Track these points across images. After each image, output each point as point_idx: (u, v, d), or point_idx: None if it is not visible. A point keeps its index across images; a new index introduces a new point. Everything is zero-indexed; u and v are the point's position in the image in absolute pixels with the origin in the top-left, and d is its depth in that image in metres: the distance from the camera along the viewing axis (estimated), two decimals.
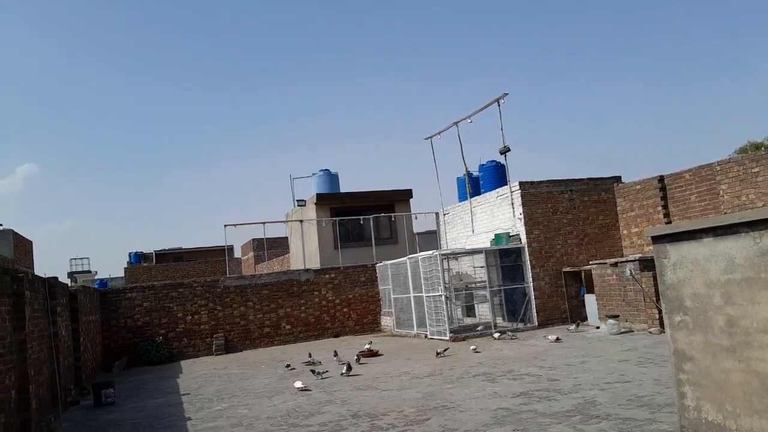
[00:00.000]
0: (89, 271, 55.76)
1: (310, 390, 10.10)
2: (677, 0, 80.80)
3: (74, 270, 56.32)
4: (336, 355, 13.29)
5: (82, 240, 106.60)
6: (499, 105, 17.68)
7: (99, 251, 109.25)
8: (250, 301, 19.03)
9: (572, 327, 14.92)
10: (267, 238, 28.98)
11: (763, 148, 31.72)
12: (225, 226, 21.31)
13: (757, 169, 13.17)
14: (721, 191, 14.04)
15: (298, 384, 10.41)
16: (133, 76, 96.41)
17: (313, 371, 11.63)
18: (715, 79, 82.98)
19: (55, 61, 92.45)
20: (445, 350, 12.69)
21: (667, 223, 15.34)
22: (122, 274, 45.47)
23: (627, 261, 14.01)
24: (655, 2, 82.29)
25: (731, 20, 78.42)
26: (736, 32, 78.60)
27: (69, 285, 14.22)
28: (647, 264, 13.38)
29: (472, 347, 12.93)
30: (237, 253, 47.64)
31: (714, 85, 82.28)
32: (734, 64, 79.80)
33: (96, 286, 35.06)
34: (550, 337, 13.40)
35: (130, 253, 51.10)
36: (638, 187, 16.58)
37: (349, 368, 11.36)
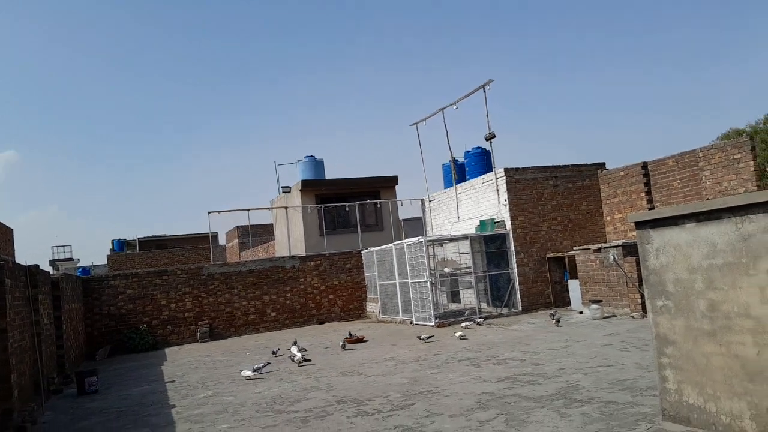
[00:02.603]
0: (71, 259, 55.12)
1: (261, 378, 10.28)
2: None
3: (56, 258, 55.64)
4: (295, 343, 13.23)
5: (64, 227, 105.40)
6: (484, 91, 17.69)
7: (82, 239, 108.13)
8: (234, 288, 18.95)
9: (551, 315, 13.98)
10: (252, 225, 28.85)
11: (745, 135, 32.01)
12: (209, 213, 21.12)
13: (738, 156, 13.31)
14: (703, 177, 14.18)
15: (247, 372, 10.57)
16: (118, 66, 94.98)
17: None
18: (699, 66, 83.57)
19: (37, 49, 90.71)
20: (429, 337, 12.75)
21: (650, 209, 15.48)
22: (105, 262, 45.06)
23: (610, 246, 14.13)
24: None
25: (718, 8, 78.87)
26: (722, 20, 79.11)
27: (51, 273, 14.04)
28: (630, 249, 13.51)
29: (456, 333, 12.99)
30: (222, 241, 47.37)
31: (698, 71, 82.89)
32: (718, 51, 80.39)
33: (78, 273, 34.72)
34: (553, 320, 13.17)
35: (113, 241, 50.69)
36: (622, 173, 16.69)
37: (304, 359, 11.39)
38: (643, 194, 15.87)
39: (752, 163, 13.09)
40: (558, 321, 13.03)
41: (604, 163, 17.81)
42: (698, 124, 77.05)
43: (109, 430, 7.72)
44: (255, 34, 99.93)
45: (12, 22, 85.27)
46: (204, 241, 45.90)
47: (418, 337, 12.80)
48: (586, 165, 17.70)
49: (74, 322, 15.16)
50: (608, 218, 17.35)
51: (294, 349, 12.88)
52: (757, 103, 75.82)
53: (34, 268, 10.79)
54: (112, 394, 10.36)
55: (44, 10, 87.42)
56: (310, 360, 11.53)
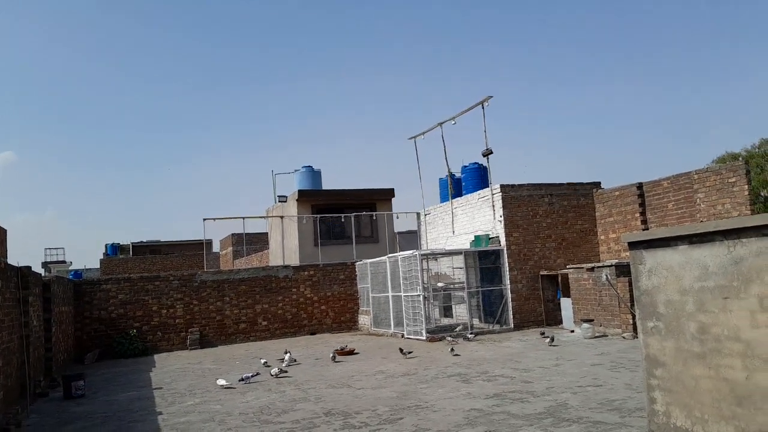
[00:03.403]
0: (64, 262, 54.83)
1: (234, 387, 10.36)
2: (662, 9, 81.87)
3: (49, 260, 55.35)
4: (287, 352, 13.19)
5: (58, 230, 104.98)
6: (483, 108, 17.78)
7: (75, 242, 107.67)
8: (227, 296, 18.87)
9: (542, 335, 14.12)
10: (247, 234, 28.81)
11: (740, 159, 32.22)
12: (204, 219, 21.10)
13: (733, 179, 13.38)
14: (698, 200, 14.24)
15: (222, 381, 10.64)
16: (115, 71, 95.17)
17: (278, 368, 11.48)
18: (696, 90, 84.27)
19: (36, 50, 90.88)
20: (410, 352, 12.68)
21: (644, 230, 15.52)
22: (98, 266, 44.82)
23: (603, 266, 14.14)
24: (642, 11, 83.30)
25: (717, 32, 79.69)
26: (721, 44, 79.91)
27: (42, 275, 13.97)
28: (623, 270, 13.53)
29: (448, 348, 12.94)
30: (216, 248, 47.23)
31: (695, 95, 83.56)
32: (716, 75, 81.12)
33: (70, 276, 34.53)
34: (546, 340, 13.08)
35: (106, 245, 50.46)
36: (617, 193, 16.75)
37: (280, 371, 11.29)
38: (637, 215, 15.92)
39: (747, 187, 13.16)
40: (552, 339, 12.97)
41: (599, 183, 17.89)
42: (694, 146, 77.61)
43: None
44: (256, 43, 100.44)
45: (11, 22, 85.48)
46: (198, 248, 45.71)
47: (400, 350, 12.80)
48: (581, 183, 17.77)
49: (64, 325, 15.05)
50: (602, 237, 17.38)
51: (287, 357, 12.85)
52: (752, 127, 76.46)
53: (26, 270, 10.73)
54: (98, 399, 10.26)
55: (43, 10, 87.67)
56: (287, 372, 11.39)
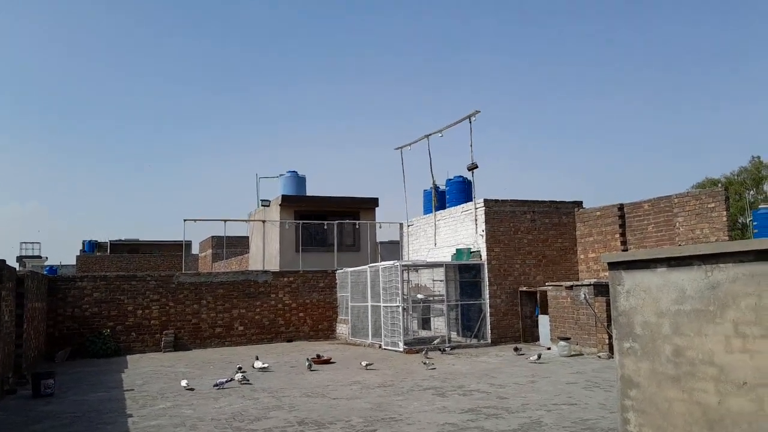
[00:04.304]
0: (39, 257, 53.93)
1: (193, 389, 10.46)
2: (647, 34, 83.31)
3: (24, 254, 54.41)
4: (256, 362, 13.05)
5: (35, 224, 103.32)
6: (470, 122, 17.90)
7: (52, 237, 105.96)
8: (204, 299, 18.66)
9: (516, 351, 14.26)
10: (227, 237, 28.55)
11: (719, 185, 32.78)
12: (185, 220, 20.87)
13: (712, 205, 13.59)
14: (677, 223, 14.44)
15: (184, 382, 10.82)
16: (103, 67, 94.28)
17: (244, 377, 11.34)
18: (677, 114, 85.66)
19: (31, 45, 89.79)
20: (369, 364, 12.60)
21: (623, 251, 15.68)
22: (74, 262, 44.14)
23: (582, 285, 14.25)
24: (626, 36, 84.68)
25: (704, 57, 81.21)
26: (704, 70, 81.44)
27: (17, 269, 13.71)
28: (601, 289, 13.64)
29: (422, 361, 12.87)
30: (195, 250, 46.80)
31: (676, 119, 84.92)
32: (698, 101, 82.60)
33: (45, 272, 33.96)
34: (532, 357, 12.97)
35: (84, 241, 49.74)
36: (598, 213, 16.93)
37: (244, 380, 11.13)
38: (617, 235, 16.09)
39: (725, 213, 13.38)
40: (539, 357, 12.78)
41: (581, 202, 18.07)
42: (675, 171, 78.79)
43: None
44: (246, 45, 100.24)
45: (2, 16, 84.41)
46: (177, 249, 45.24)
47: (360, 362, 12.76)
48: (563, 202, 17.93)
49: (36, 322, 14.77)
50: (582, 256, 17.53)
51: (257, 365, 12.73)
52: (733, 154, 77.91)
53: (0, 263, 10.53)
54: (68, 399, 10.06)
55: (34, 5, 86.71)
56: (249, 381, 11.21)
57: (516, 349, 14.34)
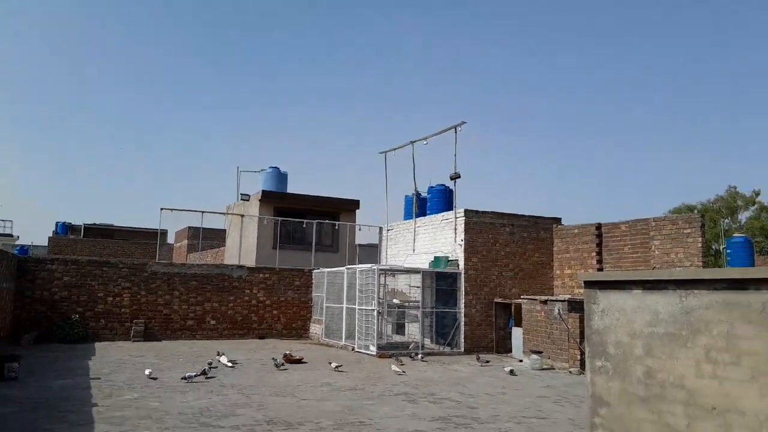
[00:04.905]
0: (11, 235, 52.83)
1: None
2: (634, 56, 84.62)
3: None
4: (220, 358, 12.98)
5: (8, 202, 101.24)
6: (456, 132, 17.99)
7: (24, 216, 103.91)
8: (176, 290, 18.45)
9: (478, 360, 14.33)
10: (204, 228, 28.30)
11: (696, 212, 33.45)
12: (162, 209, 20.60)
13: (689, 230, 13.83)
14: (653, 246, 14.66)
15: (148, 371, 10.96)
16: (84, 57, 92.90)
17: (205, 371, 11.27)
18: (656, 141, 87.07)
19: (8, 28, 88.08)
20: (339, 366, 12.63)
21: (599, 269, 15.88)
22: (46, 243, 43.34)
23: (557, 300, 14.38)
24: (611, 58, 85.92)
25: (683, 85, 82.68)
26: (686, 98, 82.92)
27: None
28: (575, 306, 13.78)
29: (393, 367, 12.86)
30: (171, 239, 46.27)
31: (658, 147, 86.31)
32: (679, 128, 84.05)
33: (16, 251, 33.30)
34: (506, 368, 13.05)
35: (57, 223, 48.85)
36: (576, 231, 17.12)
37: (204, 373, 11.11)
38: (594, 254, 16.29)
39: (701, 239, 13.62)
40: (512, 372, 12.79)
41: (560, 219, 18.27)
42: (652, 195, 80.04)
43: (23, 422, 7.32)
44: (235, 33, 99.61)
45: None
46: (152, 237, 44.66)
47: (329, 363, 12.69)
48: (542, 218, 18.11)
49: (3, 303, 14.47)
50: (558, 272, 17.70)
51: (221, 360, 12.61)
52: (711, 182, 79.37)
53: None
54: (31, 384, 9.87)
55: None
56: (213, 375, 11.17)
57: (478, 359, 14.33)
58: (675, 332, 4.74)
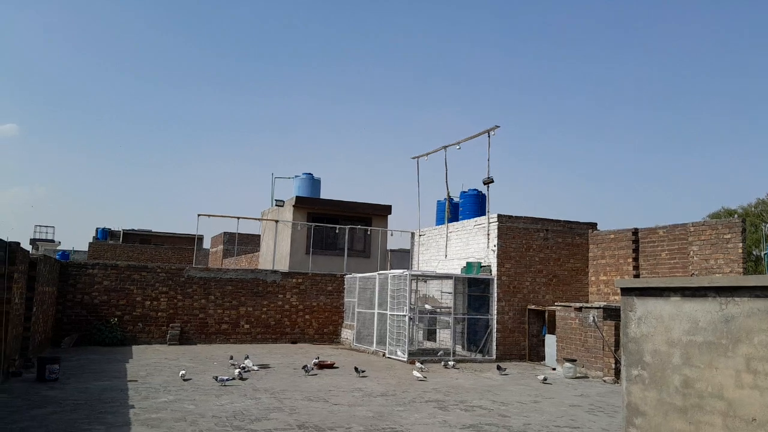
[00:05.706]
0: (53, 241, 54.46)
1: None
2: (673, 61, 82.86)
3: (37, 237, 54.99)
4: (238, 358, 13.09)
5: (50, 208, 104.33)
6: (489, 136, 17.87)
7: (66, 222, 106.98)
8: (212, 294, 18.74)
9: (498, 368, 14.08)
10: (239, 234, 28.70)
11: (736, 216, 32.46)
12: (199, 215, 21.01)
13: (729, 236, 13.44)
14: (691, 252, 14.29)
15: (182, 372, 11.32)
16: (125, 66, 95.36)
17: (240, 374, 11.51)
18: (699, 146, 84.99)
19: (46, 34, 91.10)
20: (363, 371, 12.60)
21: (635, 276, 15.54)
22: (86, 249, 44.53)
23: (592, 307, 14.13)
24: (650, 63, 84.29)
25: (724, 88, 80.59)
26: (725, 99, 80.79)
27: (30, 252, 13.85)
28: (611, 313, 13.52)
29: (415, 372, 12.74)
30: (207, 245, 47.04)
31: (697, 150, 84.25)
32: (719, 134, 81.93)
33: (58, 257, 34.27)
34: (539, 377, 12.87)
35: (97, 229, 50.17)
36: (612, 236, 16.80)
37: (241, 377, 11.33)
38: (630, 260, 15.95)
39: (741, 245, 13.22)
40: (545, 380, 12.57)
41: (596, 224, 17.95)
42: (690, 198, 78.10)
43: (63, 423, 7.52)
44: (268, 48, 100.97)
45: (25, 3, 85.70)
46: (188, 243, 45.54)
47: (355, 369, 12.72)
48: (578, 222, 17.82)
49: (45, 306, 14.90)
50: (593, 278, 17.39)
51: (248, 363, 12.69)
52: (751, 185, 77.09)
53: (15, 246, 10.64)
54: (71, 385, 10.13)
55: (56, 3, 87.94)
56: (246, 377, 11.43)
57: (498, 368, 14.01)
58: (715, 341, 4.61)
